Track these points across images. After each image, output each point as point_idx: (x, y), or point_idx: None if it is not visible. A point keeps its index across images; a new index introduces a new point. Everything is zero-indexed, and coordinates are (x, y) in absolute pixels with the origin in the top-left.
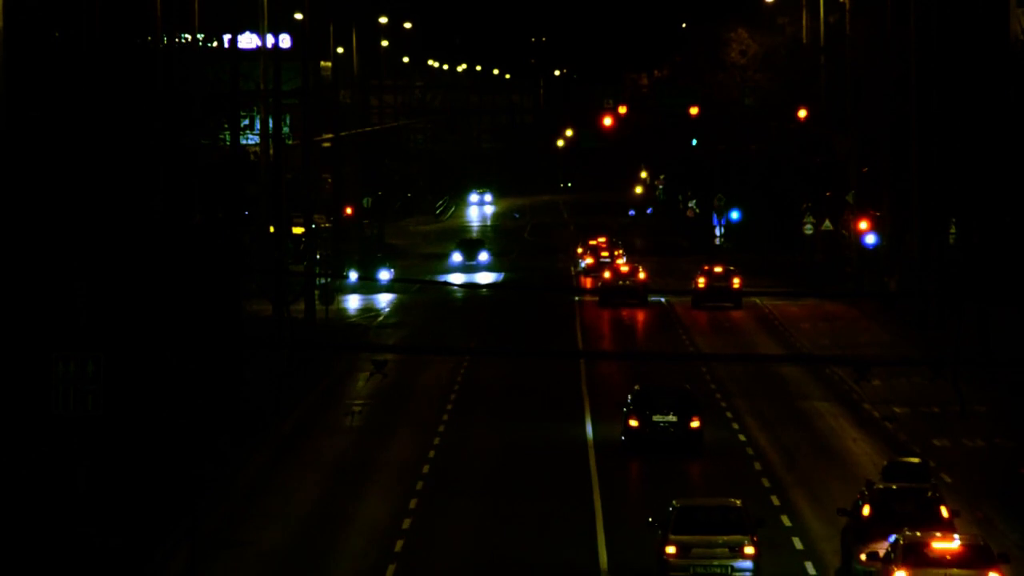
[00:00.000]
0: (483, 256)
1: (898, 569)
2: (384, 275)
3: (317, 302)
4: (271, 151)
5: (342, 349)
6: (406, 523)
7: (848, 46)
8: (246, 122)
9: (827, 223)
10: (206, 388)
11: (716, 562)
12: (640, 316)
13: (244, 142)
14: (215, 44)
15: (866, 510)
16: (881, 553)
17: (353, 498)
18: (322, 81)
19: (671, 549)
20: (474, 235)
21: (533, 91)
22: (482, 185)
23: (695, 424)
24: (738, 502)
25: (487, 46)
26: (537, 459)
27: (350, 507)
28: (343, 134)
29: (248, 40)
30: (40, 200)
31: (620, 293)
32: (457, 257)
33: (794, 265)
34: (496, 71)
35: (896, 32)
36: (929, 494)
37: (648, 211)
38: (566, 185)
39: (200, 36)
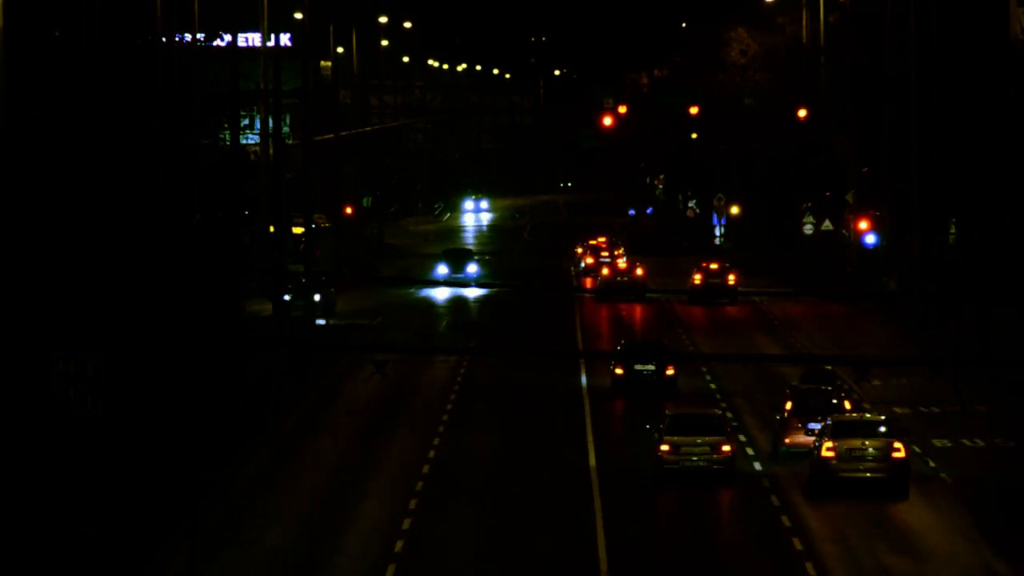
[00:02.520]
0: (472, 268)
1: (828, 441)
2: (317, 297)
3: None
4: (271, 151)
5: (342, 349)
6: (406, 523)
7: (848, 46)
8: (246, 122)
9: (827, 223)
10: (206, 388)
11: (697, 458)
12: (638, 314)
13: (244, 142)
14: (215, 44)
15: (788, 405)
16: (816, 431)
17: (353, 498)
18: (322, 81)
19: (665, 447)
20: (463, 243)
21: (533, 91)
22: (480, 188)
23: (670, 372)
24: (718, 411)
25: (487, 46)
26: (537, 459)
27: (350, 507)
28: (343, 134)
29: (248, 40)
30: (40, 200)
31: (618, 289)
32: (443, 269)
33: (794, 265)
34: (496, 71)
35: (896, 32)
36: (834, 392)
37: (648, 211)
38: (566, 185)
39: (200, 36)
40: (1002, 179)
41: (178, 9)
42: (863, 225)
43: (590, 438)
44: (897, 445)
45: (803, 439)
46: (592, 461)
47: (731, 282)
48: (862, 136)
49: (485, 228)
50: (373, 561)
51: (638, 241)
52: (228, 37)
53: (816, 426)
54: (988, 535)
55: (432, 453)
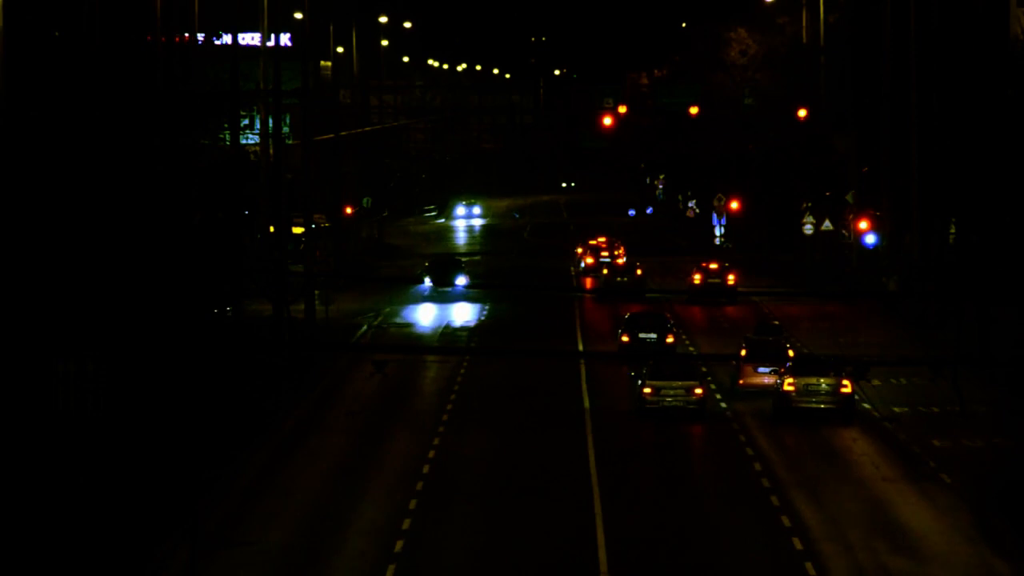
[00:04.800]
0: (460, 281)
1: (788, 377)
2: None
3: (317, 302)
4: (271, 151)
5: (342, 349)
6: (406, 523)
7: (848, 46)
8: (246, 122)
9: (827, 223)
10: (206, 388)
11: (672, 399)
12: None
13: (244, 142)
14: (216, 43)
15: (743, 352)
16: (782, 370)
17: (353, 498)
18: (322, 81)
19: (647, 390)
20: (457, 246)
21: (533, 91)
22: (475, 192)
23: (670, 340)
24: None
25: (487, 46)
26: (537, 459)
27: (350, 507)
28: (343, 134)
29: (248, 39)
30: (40, 200)
31: (618, 289)
32: (428, 282)
33: (794, 265)
34: (496, 71)
35: (896, 32)
36: (783, 342)
37: (648, 211)
38: (570, 185)
39: (200, 36)
40: (1001, 179)
41: (178, 9)
42: (863, 225)
43: (590, 439)
44: (845, 382)
45: (754, 380)
46: (592, 463)
47: (731, 282)
48: (862, 136)
49: (485, 228)
50: (373, 561)
51: (638, 241)
52: (228, 37)
53: (764, 370)
54: (988, 535)
55: (432, 453)
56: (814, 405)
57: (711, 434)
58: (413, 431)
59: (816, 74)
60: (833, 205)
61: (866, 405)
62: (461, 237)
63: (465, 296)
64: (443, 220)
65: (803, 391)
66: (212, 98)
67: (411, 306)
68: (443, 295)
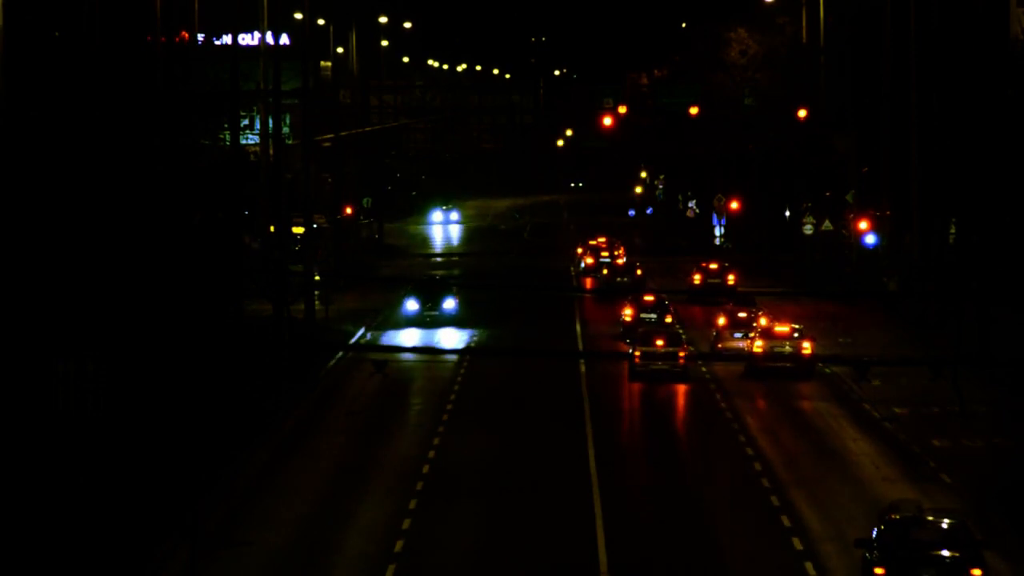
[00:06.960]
0: (449, 303)
1: (756, 339)
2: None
3: (317, 302)
4: (271, 151)
5: (342, 349)
6: (406, 523)
7: (848, 46)
8: (246, 122)
9: (827, 223)
10: (206, 388)
11: (661, 363)
12: None
13: (244, 142)
14: (216, 43)
15: (721, 322)
16: (752, 335)
17: (353, 498)
18: (322, 81)
19: (637, 354)
20: (454, 248)
21: (533, 91)
22: (449, 199)
23: (668, 319)
24: (679, 331)
25: (487, 46)
26: (537, 459)
27: (350, 507)
28: (343, 134)
29: (248, 39)
30: (40, 200)
31: (618, 289)
32: (412, 305)
33: (794, 265)
34: (496, 71)
35: (896, 32)
36: (756, 315)
37: (648, 211)
38: (577, 185)
39: (200, 36)
40: (1001, 179)
41: (178, 9)
42: (863, 225)
43: (590, 439)
44: (806, 344)
45: (731, 344)
46: (592, 465)
47: (730, 282)
48: (862, 136)
49: (485, 228)
50: (373, 561)
51: (638, 241)
52: (228, 37)
53: (739, 335)
54: (988, 535)
55: (432, 453)
56: (778, 364)
57: (705, 423)
58: (413, 431)
59: (816, 74)
60: (833, 205)
61: (866, 405)
62: (459, 237)
63: (455, 320)
64: (423, 225)
65: (769, 352)
66: (212, 98)
67: (394, 331)
68: (431, 319)
